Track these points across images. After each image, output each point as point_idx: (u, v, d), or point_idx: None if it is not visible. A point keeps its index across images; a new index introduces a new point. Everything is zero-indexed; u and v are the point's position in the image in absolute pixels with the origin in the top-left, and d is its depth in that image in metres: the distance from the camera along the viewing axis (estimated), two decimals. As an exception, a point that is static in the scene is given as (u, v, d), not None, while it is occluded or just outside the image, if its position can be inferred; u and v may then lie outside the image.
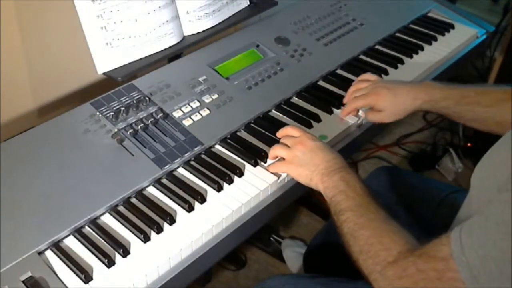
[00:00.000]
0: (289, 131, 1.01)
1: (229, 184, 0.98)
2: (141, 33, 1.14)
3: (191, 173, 1.00)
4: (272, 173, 1.00)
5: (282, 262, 1.75)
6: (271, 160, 1.02)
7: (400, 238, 0.77)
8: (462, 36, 1.48)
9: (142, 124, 1.03)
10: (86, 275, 0.81)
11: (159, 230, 0.88)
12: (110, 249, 0.85)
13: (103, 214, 0.91)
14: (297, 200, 1.16)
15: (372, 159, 2.19)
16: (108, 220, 0.90)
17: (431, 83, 1.08)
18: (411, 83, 1.15)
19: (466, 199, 0.85)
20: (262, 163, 1.03)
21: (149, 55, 1.16)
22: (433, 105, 1.05)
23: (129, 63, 1.13)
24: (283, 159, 0.99)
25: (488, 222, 0.65)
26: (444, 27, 1.50)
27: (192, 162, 1.02)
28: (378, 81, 1.14)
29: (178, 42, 1.21)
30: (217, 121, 1.09)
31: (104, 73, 1.11)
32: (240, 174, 1.00)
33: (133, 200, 0.94)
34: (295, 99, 1.21)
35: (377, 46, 1.42)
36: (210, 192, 0.96)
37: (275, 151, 1.00)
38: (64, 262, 0.83)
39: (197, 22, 1.24)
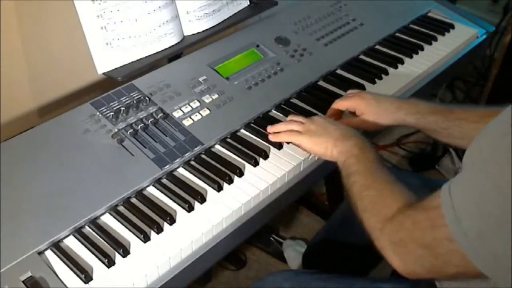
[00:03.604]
0: (295, 118, 1.05)
1: (229, 184, 0.98)
2: (141, 33, 1.14)
3: (191, 173, 1.00)
4: (281, 141, 1.04)
5: (282, 262, 1.75)
6: (282, 135, 1.04)
7: (402, 196, 0.80)
8: (462, 36, 1.48)
9: (142, 124, 1.03)
10: (86, 275, 0.81)
11: (159, 230, 0.88)
12: (110, 249, 0.85)
13: (103, 214, 0.91)
14: (297, 200, 1.17)
15: (372, 159, 2.18)
16: (108, 220, 0.90)
17: (415, 99, 1.08)
18: (396, 97, 1.14)
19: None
20: (262, 163, 1.03)
21: (149, 55, 1.16)
22: (419, 118, 1.03)
23: (129, 63, 1.13)
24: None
25: (474, 168, 0.68)
26: (444, 27, 1.50)
27: (192, 162, 1.02)
28: (361, 92, 1.14)
29: (178, 42, 1.21)
30: (217, 121, 1.09)
31: (104, 73, 1.11)
32: (240, 174, 1.00)
33: (133, 200, 0.94)
34: (295, 99, 1.21)
35: (377, 46, 1.42)
36: (210, 192, 0.96)
37: (289, 125, 1.03)
38: (64, 262, 0.83)
39: (197, 22, 1.24)
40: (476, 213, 0.65)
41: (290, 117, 1.07)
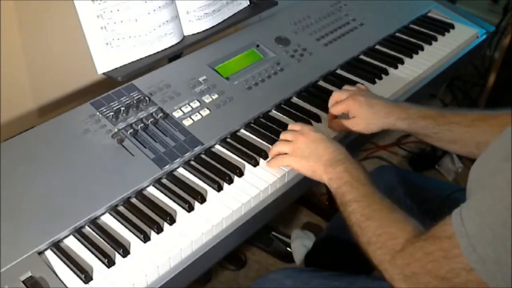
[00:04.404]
0: (290, 126, 1.03)
1: (229, 184, 0.98)
2: (141, 33, 1.14)
3: (191, 173, 1.00)
4: (273, 168, 1.01)
5: (282, 262, 1.75)
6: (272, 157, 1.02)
7: (406, 226, 0.78)
8: (462, 36, 1.48)
9: (142, 124, 1.03)
10: (86, 275, 0.81)
11: (159, 230, 0.88)
12: (110, 249, 0.85)
13: (103, 214, 0.91)
14: (297, 200, 1.16)
15: (372, 159, 2.18)
16: (108, 220, 0.90)
17: (407, 103, 1.07)
18: (390, 100, 1.13)
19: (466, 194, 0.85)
20: (262, 163, 1.03)
21: (149, 55, 1.16)
22: (410, 124, 1.03)
23: (129, 63, 1.13)
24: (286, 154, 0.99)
25: (484, 192, 0.66)
26: (444, 27, 1.50)
27: (192, 162, 1.02)
28: (358, 91, 1.12)
29: (178, 42, 1.21)
30: (217, 121, 1.09)
31: (104, 73, 1.11)
32: (240, 174, 1.00)
33: (133, 200, 0.94)
34: (295, 99, 1.21)
35: (377, 46, 1.42)
36: (210, 192, 0.96)
37: (277, 147, 1.00)
38: (64, 262, 0.83)
39: (197, 22, 1.24)
40: (491, 237, 0.63)
41: (281, 135, 1.03)
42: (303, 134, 0.98)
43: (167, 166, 0.98)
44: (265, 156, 1.04)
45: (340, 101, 1.10)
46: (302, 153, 0.96)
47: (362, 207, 0.85)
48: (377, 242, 0.79)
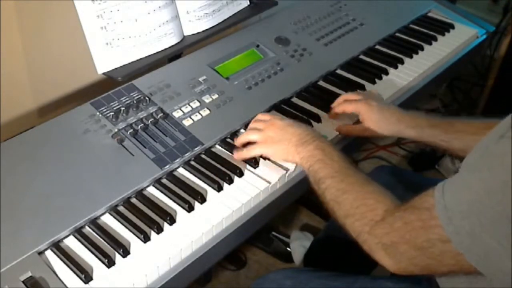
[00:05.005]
0: (259, 117, 1.05)
1: (229, 184, 0.98)
2: (141, 33, 1.14)
3: (191, 173, 1.00)
4: (245, 158, 1.01)
5: (282, 262, 1.75)
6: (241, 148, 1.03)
7: (385, 197, 0.80)
8: (462, 36, 1.48)
9: (142, 124, 1.03)
10: (86, 275, 0.81)
11: (159, 230, 0.88)
12: (110, 249, 0.85)
13: (103, 214, 0.91)
14: (297, 200, 1.16)
15: (372, 159, 2.18)
16: (108, 220, 0.90)
17: (417, 112, 1.09)
18: (400, 108, 1.13)
19: None
20: (263, 163, 1.03)
21: (149, 55, 1.16)
22: (419, 132, 1.04)
23: (129, 63, 1.13)
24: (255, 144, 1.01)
25: (467, 172, 0.69)
26: (444, 27, 1.50)
27: (192, 162, 1.02)
28: (371, 95, 1.14)
29: (178, 42, 1.21)
30: (217, 121, 1.09)
31: (104, 73, 1.11)
32: (240, 174, 1.00)
33: (133, 200, 0.94)
34: (295, 99, 1.21)
35: (377, 46, 1.42)
36: (210, 192, 0.96)
37: (247, 136, 1.02)
38: (64, 262, 0.83)
39: (197, 22, 1.24)
40: (467, 211, 0.65)
41: (250, 125, 1.04)
42: (271, 123, 1.00)
43: (167, 166, 0.98)
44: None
45: (351, 100, 1.10)
46: (272, 140, 0.98)
47: (337, 182, 0.86)
48: (355, 214, 0.81)
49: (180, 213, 0.92)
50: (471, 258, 0.66)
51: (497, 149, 0.65)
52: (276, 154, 0.99)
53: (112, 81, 1.11)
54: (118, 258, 0.84)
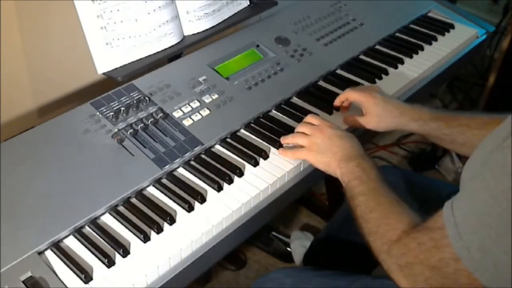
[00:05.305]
0: (308, 119, 1.04)
1: (229, 184, 0.98)
2: (141, 33, 1.14)
3: (191, 173, 1.00)
4: (287, 157, 1.03)
5: (282, 262, 1.75)
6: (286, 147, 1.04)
7: (406, 218, 0.80)
8: (462, 36, 1.48)
9: (142, 124, 1.03)
10: (86, 275, 0.81)
11: (159, 230, 0.88)
12: (110, 249, 0.85)
13: (103, 214, 0.91)
14: (297, 200, 1.17)
15: (372, 159, 2.18)
16: (108, 220, 0.91)
17: (420, 105, 1.09)
18: (403, 101, 1.14)
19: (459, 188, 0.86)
20: (262, 163, 1.03)
21: (149, 55, 1.16)
22: (422, 125, 1.04)
23: (129, 63, 1.13)
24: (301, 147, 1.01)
25: (473, 183, 0.69)
26: (444, 27, 1.50)
27: (192, 162, 1.02)
28: (373, 88, 1.14)
29: (178, 42, 1.21)
30: (217, 121, 1.09)
31: (104, 73, 1.11)
32: (240, 174, 1.00)
33: (133, 200, 0.94)
34: (295, 99, 1.21)
35: (377, 46, 1.42)
36: (210, 192, 0.96)
37: (294, 139, 1.02)
38: (64, 262, 0.83)
39: (197, 22, 1.24)
40: (476, 225, 0.65)
41: (299, 127, 1.04)
42: (321, 130, 1.00)
43: (167, 166, 0.98)
44: (265, 156, 1.04)
45: (356, 89, 1.11)
46: (318, 149, 0.98)
47: (367, 200, 0.87)
48: (377, 232, 0.81)
49: (180, 213, 0.92)
50: (481, 274, 0.65)
51: (499, 157, 0.64)
52: (318, 164, 0.99)
53: (112, 81, 1.11)
54: (118, 258, 0.84)
